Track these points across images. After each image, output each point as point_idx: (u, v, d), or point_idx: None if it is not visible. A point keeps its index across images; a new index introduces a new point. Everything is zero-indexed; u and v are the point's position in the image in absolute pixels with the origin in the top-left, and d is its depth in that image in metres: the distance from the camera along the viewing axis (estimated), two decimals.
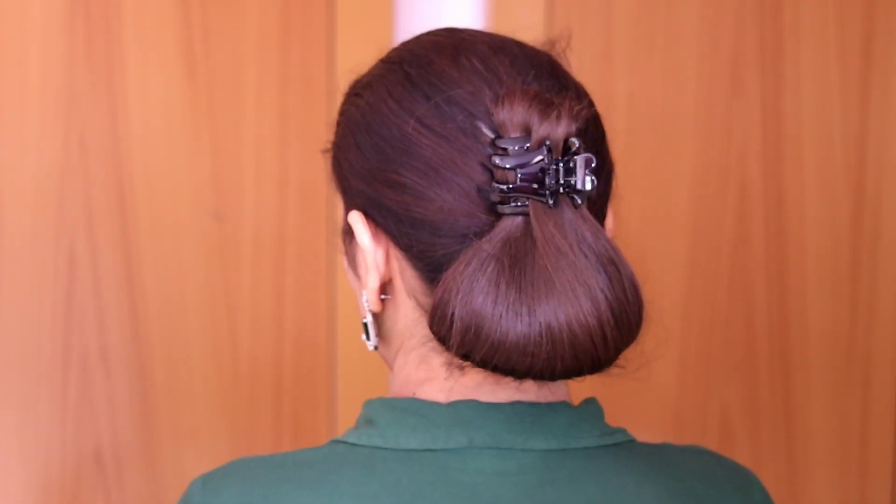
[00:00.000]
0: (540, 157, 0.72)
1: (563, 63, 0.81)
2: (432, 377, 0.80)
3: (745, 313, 1.64)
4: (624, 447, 0.81)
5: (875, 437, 1.67)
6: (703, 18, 1.60)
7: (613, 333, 0.71)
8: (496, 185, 0.73)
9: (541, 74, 0.78)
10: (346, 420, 1.56)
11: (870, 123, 1.63)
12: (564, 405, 0.79)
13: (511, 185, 0.72)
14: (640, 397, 1.63)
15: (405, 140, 0.77)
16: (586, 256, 0.71)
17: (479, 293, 0.70)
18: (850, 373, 1.66)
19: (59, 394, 1.52)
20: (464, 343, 0.71)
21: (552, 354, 0.70)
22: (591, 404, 0.81)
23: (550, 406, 0.79)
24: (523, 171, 0.72)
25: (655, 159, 1.60)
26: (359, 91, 0.83)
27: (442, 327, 0.72)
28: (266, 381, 1.57)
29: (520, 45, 0.81)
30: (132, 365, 1.53)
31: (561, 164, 0.72)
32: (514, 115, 0.73)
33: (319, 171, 1.55)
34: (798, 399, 1.66)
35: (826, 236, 1.63)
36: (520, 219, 0.72)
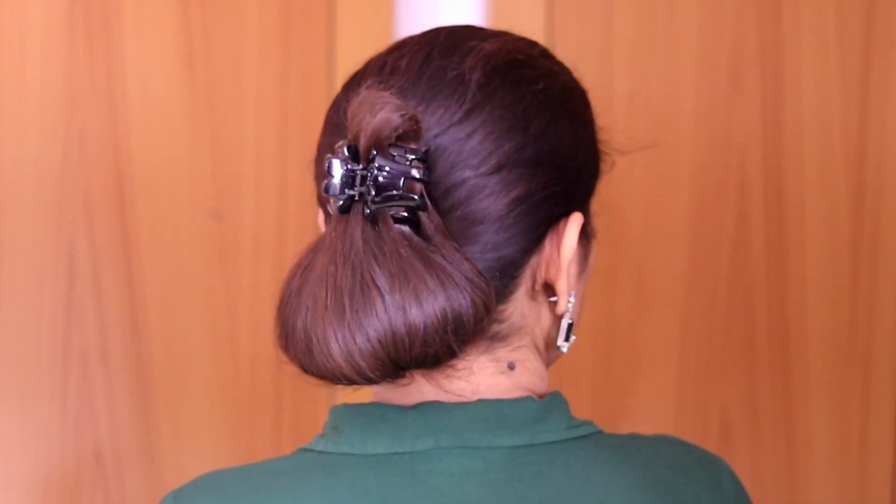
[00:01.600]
0: (339, 159, 0.72)
1: (490, 77, 0.77)
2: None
3: (745, 313, 1.64)
4: (591, 439, 0.80)
5: (875, 438, 1.67)
6: (703, 18, 1.60)
7: (366, 358, 0.71)
8: (322, 185, 0.74)
9: (430, 81, 0.76)
10: None
11: (870, 123, 1.63)
12: (528, 400, 0.79)
13: (329, 189, 0.73)
14: (640, 397, 1.63)
15: (322, 132, 0.81)
16: (353, 274, 0.70)
17: (286, 290, 0.74)
18: (850, 373, 1.66)
19: (59, 394, 1.52)
20: (275, 328, 0.75)
21: (332, 366, 0.72)
22: (555, 397, 0.81)
23: (515, 402, 0.79)
24: (327, 176, 0.73)
25: (655, 159, 1.60)
26: None
27: None
28: (266, 381, 1.57)
29: (447, 50, 0.78)
30: (132, 365, 1.53)
31: (358, 171, 0.72)
32: (348, 113, 0.73)
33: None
34: (798, 399, 1.65)
35: (826, 236, 1.63)
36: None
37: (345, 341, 0.70)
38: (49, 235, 1.50)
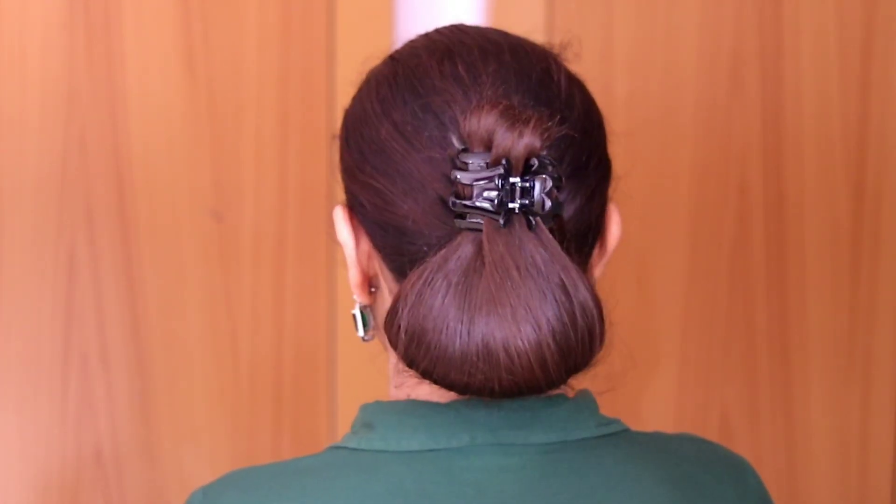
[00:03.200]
0: (497, 174, 0.71)
1: (560, 74, 0.80)
2: (423, 380, 0.80)
3: (745, 313, 1.64)
4: (620, 436, 0.82)
5: (875, 437, 1.67)
6: (703, 18, 1.60)
7: (555, 360, 0.71)
8: (454, 199, 0.72)
9: (524, 86, 0.77)
10: (345, 421, 1.56)
11: (870, 123, 1.63)
12: (562, 398, 0.80)
13: (466, 201, 0.72)
14: (641, 397, 1.63)
15: (380, 144, 0.78)
16: (534, 280, 0.70)
17: (424, 307, 0.71)
18: (850, 373, 1.66)
19: (59, 394, 1.52)
20: (408, 353, 0.72)
21: (489, 375, 0.71)
22: (585, 396, 0.82)
23: (549, 399, 0.79)
24: (477, 188, 0.71)
25: (655, 159, 1.60)
26: (361, 84, 0.83)
27: (392, 336, 0.73)
28: (266, 381, 1.57)
29: (515, 51, 0.80)
30: (132, 365, 1.53)
31: (519, 183, 0.71)
32: (479, 128, 0.72)
33: (319, 171, 1.55)
34: (798, 399, 1.65)
35: (826, 236, 1.63)
36: (474, 235, 0.72)
37: (541, 346, 0.70)
38: (49, 235, 1.50)
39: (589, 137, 0.79)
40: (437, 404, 0.79)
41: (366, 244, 0.81)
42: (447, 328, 0.70)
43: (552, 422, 0.79)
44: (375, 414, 0.80)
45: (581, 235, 0.78)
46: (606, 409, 0.83)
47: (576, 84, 0.81)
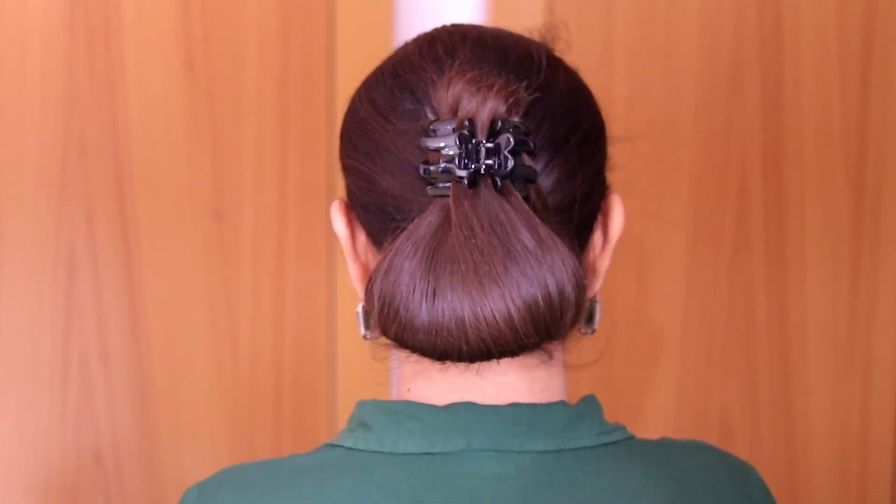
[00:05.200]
0: (460, 135, 0.71)
1: (543, 56, 0.80)
2: (421, 371, 0.80)
3: (745, 313, 1.64)
4: (622, 445, 0.80)
5: (875, 437, 1.67)
6: (703, 18, 1.60)
7: (525, 324, 0.70)
8: (425, 167, 0.73)
9: (499, 60, 0.78)
10: (345, 420, 1.56)
11: (870, 123, 1.63)
12: (562, 405, 0.79)
13: (433, 167, 0.72)
14: (641, 397, 1.63)
15: (362, 126, 0.79)
16: (499, 239, 0.70)
17: (394, 273, 0.71)
18: (850, 373, 1.66)
19: (59, 394, 1.52)
20: (381, 320, 0.72)
21: (455, 337, 0.70)
22: (588, 402, 0.81)
23: (548, 406, 0.78)
24: (443, 151, 0.72)
25: (655, 159, 1.60)
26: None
27: (369, 304, 0.73)
28: (266, 381, 1.57)
29: (498, 36, 0.81)
30: (132, 365, 1.53)
31: (483, 145, 0.71)
32: (447, 96, 0.73)
33: (319, 171, 1.55)
34: (798, 399, 1.65)
35: (826, 236, 1.63)
36: (444, 201, 0.72)
37: (505, 305, 0.69)
38: (49, 235, 1.50)
39: (571, 114, 0.78)
40: (434, 407, 0.78)
41: (362, 236, 0.81)
42: (414, 291, 0.70)
43: (551, 429, 0.78)
44: (372, 414, 0.80)
45: (565, 209, 0.77)
46: (607, 409, 0.83)
47: (562, 67, 0.81)
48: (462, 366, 0.76)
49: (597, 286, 0.82)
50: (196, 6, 1.51)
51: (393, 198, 0.76)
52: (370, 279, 0.72)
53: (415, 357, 0.77)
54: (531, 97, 0.74)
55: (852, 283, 1.65)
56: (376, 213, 0.78)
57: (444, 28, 0.82)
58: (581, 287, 0.71)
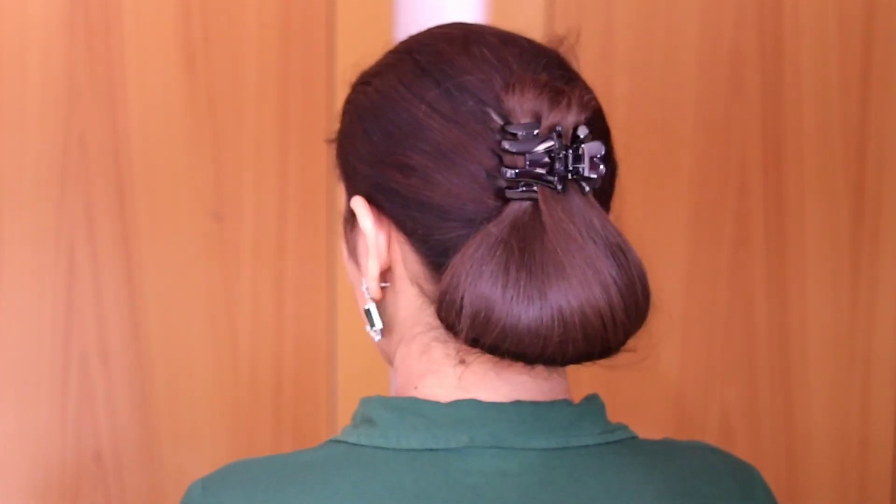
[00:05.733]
0: (550, 143, 0.73)
1: (570, 60, 0.82)
2: (434, 370, 0.79)
3: (745, 313, 1.64)
4: (625, 444, 0.80)
5: (875, 437, 1.67)
6: (703, 18, 1.60)
7: (622, 318, 0.73)
8: (505, 169, 0.73)
9: (549, 65, 0.79)
10: (346, 419, 1.56)
11: (870, 123, 1.63)
12: (565, 403, 0.79)
13: (519, 171, 0.73)
14: (641, 397, 1.63)
15: (416, 123, 0.78)
16: (595, 242, 0.72)
17: (488, 277, 0.71)
18: (850, 373, 1.66)
19: (59, 394, 1.52)
20: (473, 328, 0.71)
21: (564, 338, 0.71)
22: (592, 401, 0.81)
23: (551, 404, 0.79)
24: (532, 156, 0.73)
25: (655, 159, 1.60)
26: (367, 79, 0.83)
27: (451, 313, 0.72)
28: (266, 381, 1.57)
29: (528, 39, 0.82)
30: (132, 365, 1.53)
31: (570, 151, 0.73)
32: (524, 101, 0.74)
33: (319, 171, 1.55)
34: (798, 399, 1.65)
35: (826, 236, 1.63)
36: (528, 204, 0.73)
37: (608, 302, 0.72)
38: (49, 235, 1.50)
39: (605, 119, 0.81)
40: (438, 403, 0.78)
41: (385, 233, 0.80)
42: (518, 296, 0.70)
43: (554, 427, 0.78)
44: (377, 409, 0.80)
45: (607, 210, 0.80)
46: (607, 409, 0.83)
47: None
48: (487, 365, 0.77)
49: None
50: (196, 6, 1.51)
51: (456, 197, 0.75)
52: (449, 285, 0.72)
53: (429, 357, 0.78)
54: (597, 106, 0.77)
55: (852, 283, 1.65)
56: (431, 213, 0.77)
57: (463, 27, 0.82)
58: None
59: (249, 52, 1.53)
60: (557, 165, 0.73)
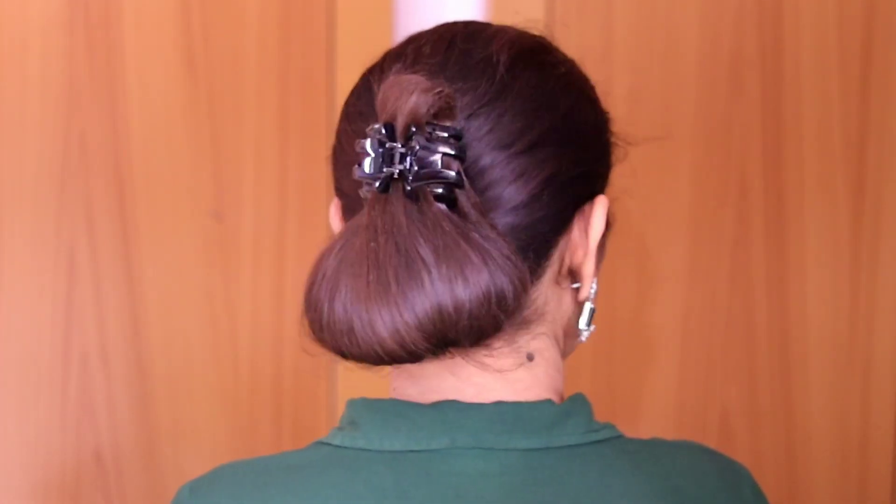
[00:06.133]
0: (377, 139, 0.71)
1: (504, 57, 0.79)
2: (403, 369, 0.80)
3: (745, 313, 1.64)
4: (610, 444, 0.80)
5: (875, 437, 1.67)
6: (703, 18, 1.60)
7: (412, 334, 0.69)
8: (356, 168, 0.73)
9: (453, 66, 0.77)
10: None
11: (870, 123, 1.63)
12: (548, 403, 0.79)
13: (361, 171, 0.72)
14: (641, 398, 1.63)
15: (341, 124, 0.80)
16: (399, 249, 0.69)
17: (314, 271, 0.72)
18: (850, 373, 1.66)
19: (59, 394, 1.52)
20: (306, 315, 0.73)
21: (352, 344, 0.71)
22: (576, 401, 0.80)
23: (534, 405, 0.78)
24: (365, 155, 0.72)
25: (655, 159, 1.60)
26: None
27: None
28: (266, 381, 1.57)
29: (471, 38, 0.80)
30: (132, 365, 1.53)
31: (398, 149, 0.71)
32: (379, 98, 0.73)
33: (319, 171, 1.55)
34: (798, 399, 1.65)
35: (826, 236, 1.63)
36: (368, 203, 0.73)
37: (392, 318, 0.69)
38: (49, 235, 1.50)
39: (528, 117, 0.77)
40: (420, 405, 0.78)
41: None
42: (321, 291, 0.71)
43: (536, 427, 0.77)
44: (360, 412, 0.80)
45: (507, 213, 0.76)
46: (606, 409, 0.82)
47: (532, 67, 0.80)
48: (434, 365, 0.77)
49: (585, 291, 0.81)
50: (196, 6, 1.51)
51: (347, 198, 0.78)
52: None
53: None
54: (473, 103, 0.74)
55: (852, 283, 1.65)
56: (344, 213, 0.79)
57: (441, 25, 0.82)
58: (492, 298, 0.69)
59: (249, 52, 1.53)
60: (380, 163, 0.71)
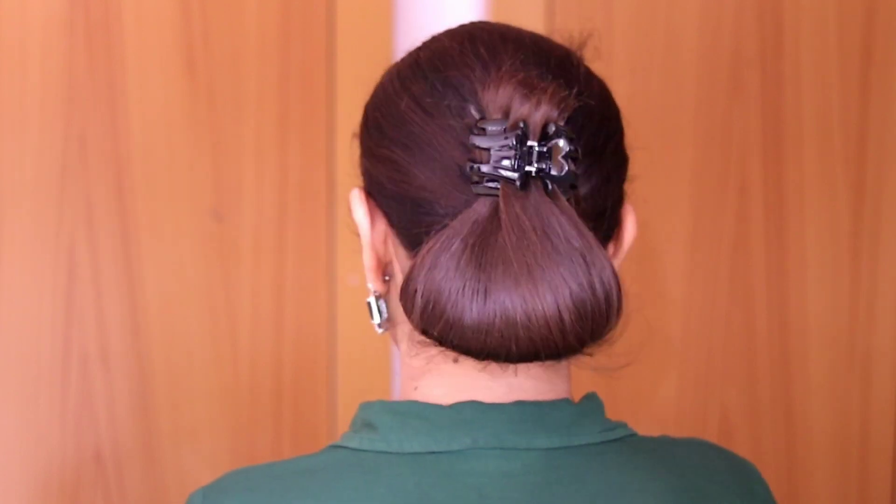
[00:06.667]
0: (513, 140, 0.72)
1: (580, 61, 0.81)
2: (431, 368, 0.79)
3: (745, 313, 1.64)
4: (626, 442, 0.81)
5: (875, 437, 1.67)
6: (703, 18, 1.60)
7: (573, 325, 0.70)
8: (471, 164, 0.73)
9: (543, 64, 0.78)
10: (345, 420, 1.56)
11: (870, 123, 1.63)
12: (566, 402, 0.80)
13: (484, 166, 0.72)
14: (641, 398, 1.63)
15: (399, 117, 0.78)
16: (552, 243, 0.70)
17: (440, 270, 0.71)
18: (850, 373, 1.66)
19: (59, 394, 1.52)
20: (423, 318, 0.72)
21: (506, 337, 0.70)
22: (591, 400, 0.81)
23: (552, 404, 0.79)
24: (497, 152, 0.72)
25: (655, 159, 1.60)
26: (382, 75, 0.84)
27: (407, 302, 0.72)
28: (266, 381, 1.57)
29: (535, 39, 0.81)
30: (132, 365, 1.53)
31: (536, 148, 0.72)
32: (497, 96, 0.73)
33: (319, 171, 1.55)
34: (798, 399, 1.65)
35: (826, 236, 1.63)
36: (491, 200, 0.72)
37: (557, 305, 0.70)
38: (49, 235, 1.50)
39: (606, 122, 0.80)
40: (440, 406, 0.78)
41: (381, 226, 0.80)
42: (463, 290, 0.70)
43: (556, 426, 0.78)
44: (377, 414, 0.80)
45: (596, 217, 0.77)
46: (607, 409, 0.83)
47: (594, 75, 0.82)
48: (480, 365, 0.76)
49: None
50: (196, 6, 1.51)
51: (430, 191, 0.76)
52: (409, 275, 0.72)
53: (426, 354, 0.78)
54: (578, 104, 0.75)
55: (852, 283, 1.65)
56: (407, 206, 0.77)
57: (478, 27, 0.82)
58: (621, 292, 0.72)
59: (249, 52, 1.53)
60: (520, 161, 0.71)
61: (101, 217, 1.51)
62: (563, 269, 0.70)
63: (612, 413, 0.83)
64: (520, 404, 0.78)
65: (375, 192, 0.80)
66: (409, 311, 0.72)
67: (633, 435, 0.82)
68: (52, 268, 1.50)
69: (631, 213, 0.82)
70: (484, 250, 0.70)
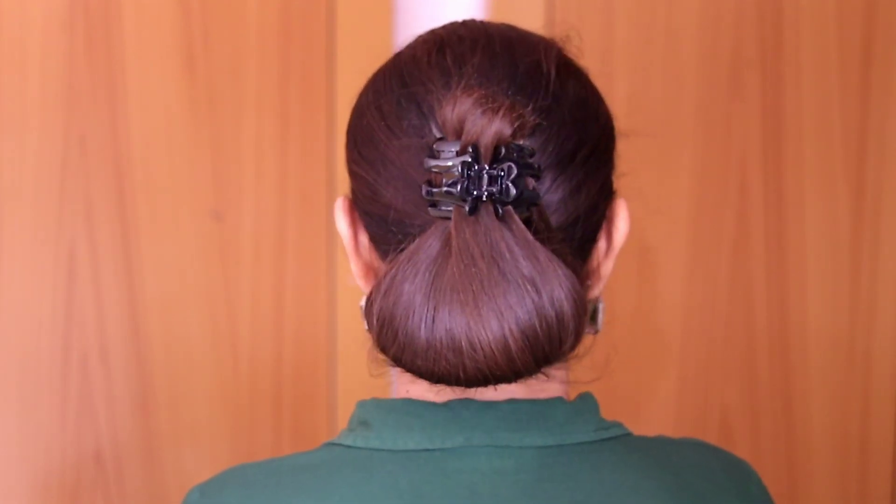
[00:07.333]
0: (463, 161, 0.70)
1: (552, 65, 0.79)
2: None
3: (745, 313, 1.64)
4: (620, 441, 0.81)
5: (875, 437, 1.67)
6: (703, 18, 1.60)
7: (521, 351, 0.69)
8: (427, 188, 0.72)
9: (508, 76, 0.76)
10: (345, 420, 1.56)
11: (870, 123, 1.63)
12: (559, 401, 0.79)
13: (438, 189, 0.71)
14: (641, 398, 1.63)
15: (369, 132, 0.78)
16: (499, 269, 0.69)
17: (395, 293, 0.71)
18: (850, 373, 1.66)
19: (59, 394, 1.52)
20: (380, 339, 0.72)
21: (452, 363, 0.70)
22: (586, 399, 0.81)
23: (546, 402, 0.79)
24: (450, 175, 0.71)
25: (655, 159, 1.60)
26: (367, 80, 0.83)
27: (368, 320, 0.73)
28: (266, 381, 1.57)
29: (508, 43, 0.79)
30: (132, 365, 1.53)
31: (486, 171, 0.70)
32: (452, 116, 0.71)
33: (319, 171, 1.55)
34: (798, 399, 1.66)
35: (826, 236, 1.64)
36: (445, 224, 0.71)
37: (503, 333, 0.69)
38: (49, 235, 1.50)
39: (580, 127, 0.78)
40: (434, 404, 0.78)
41: (365, 237, 0.81)
42: (413, 315, 0.70)
43: (549, 425, 0.78)
44: (372, 412, 0.80)
45: (568, 226, 0.77)
46: (606, 409, 0.83)
47: (573, 76, 0.80)
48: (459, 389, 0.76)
49: (598, 289, 0.82)
50: (196, 6, 1.51)
51: (395, 211, 0.76)
52: (369, 297, 0.72)
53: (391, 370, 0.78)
54: (537, 119, 0.73)
55: (852, 283, 1.65)
56: (378, 222, 0.78)
57: (454, 30, 0.81)
58: (581, 312, 0.70)
59: (249, 52, 1.53)
60: (469, 185, 0.70)
61: (101, 217, 1.51)
62: (509, 296, 0.69)
63: (611, 413, 0.83)
64: (513, 402, 0.78)
65: (356, 203, 0.81)
66: (370, 330, 0.73)
67: (628, 434, 0.82)
68: (52, 267, 1.51)
69: (623, 209, 0.82)
70: (435, 276, 0.70)
